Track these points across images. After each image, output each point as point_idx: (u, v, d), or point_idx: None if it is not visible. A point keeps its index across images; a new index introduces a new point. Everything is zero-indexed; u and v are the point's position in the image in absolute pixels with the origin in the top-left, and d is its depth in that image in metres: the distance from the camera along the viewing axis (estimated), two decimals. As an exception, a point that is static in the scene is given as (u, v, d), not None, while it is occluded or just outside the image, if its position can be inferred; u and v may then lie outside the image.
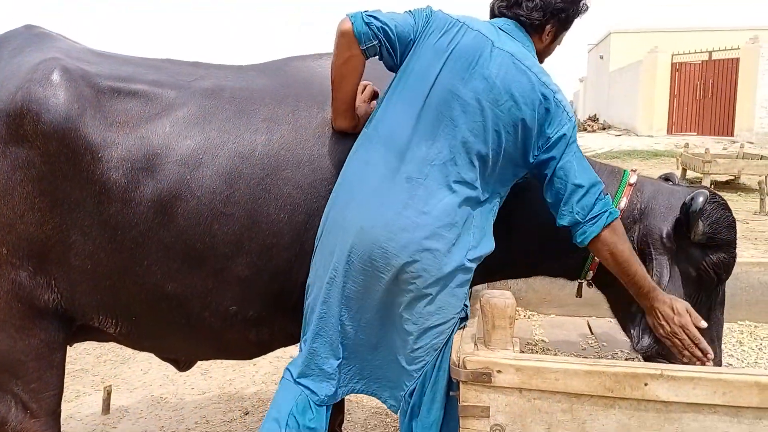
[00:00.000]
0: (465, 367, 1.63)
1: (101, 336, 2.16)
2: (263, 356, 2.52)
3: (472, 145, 1.85)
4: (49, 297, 1.93)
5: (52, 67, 1.87)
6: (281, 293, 2.05)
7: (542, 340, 2.66)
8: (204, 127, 1.97)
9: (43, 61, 1.89)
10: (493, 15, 2.08)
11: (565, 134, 1.88)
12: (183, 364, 2.48)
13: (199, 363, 3.59)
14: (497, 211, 1.99)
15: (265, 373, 3.94)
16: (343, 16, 1.92)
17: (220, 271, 1.97)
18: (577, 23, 2.12)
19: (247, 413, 3.44)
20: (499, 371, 1.61)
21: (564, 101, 1.91)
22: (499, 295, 1.70)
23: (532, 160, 1.90)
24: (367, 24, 1.87)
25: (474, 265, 1.91)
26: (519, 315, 3.01)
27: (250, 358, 2.45)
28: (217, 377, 3.88)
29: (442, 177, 1.85)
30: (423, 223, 1.81)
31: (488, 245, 1.94)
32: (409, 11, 2.00)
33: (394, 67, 2.00)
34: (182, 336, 2.12)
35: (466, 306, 1.93)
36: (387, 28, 1.90)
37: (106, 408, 3.45)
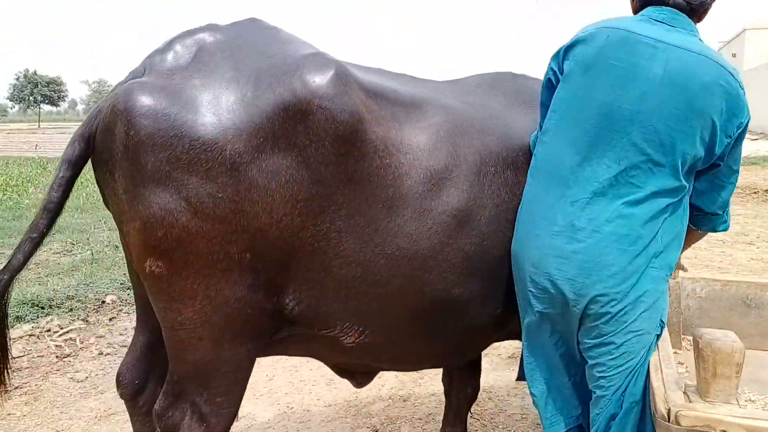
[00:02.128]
0: (678, 423, 1.35)
1: (295, 348, 2.04)
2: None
3: (645, 151, 1.73)
4: (281, 304, 1.77)
5: (329, 64, 1.70)
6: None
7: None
8: (483, 139, 1.99)
9: (314, 55, 1.73)
10: (641, 5, 1.88)
11: (745, 121, 1.77)
12: (361, 379, 2.34)
13: (324, 372, 3.51)
14: (687, 204, 1.89)
15: (391, 387, 3.76)
16: None
17: (497, 274, 2.01)
18: (708, 19, 1.93)
19: (376, 431, 3.27)
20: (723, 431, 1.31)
21: (742, 82, 1.78)
22: (722, 337, 1.40)
23: (719, 151, 1.77)
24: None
25: (666, 273, 1.82)
26: (691, 345, 2.64)
27: (466, 360, 2.52)
28: (343, 389, 3.73)
29: (614, 191, 1.76)
30: (594, 243, 1.75)
31: (677, 246, 1.85)
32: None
33: None
34: (429, 342, 2.06)
35: (662, 322, 1.83)
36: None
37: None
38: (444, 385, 2.80)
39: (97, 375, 3.90)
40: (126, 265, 2.05)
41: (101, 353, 4.21)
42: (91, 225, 8.32)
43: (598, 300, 1.74)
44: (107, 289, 5.33)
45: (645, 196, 1.74)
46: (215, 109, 1.58)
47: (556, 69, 1.93)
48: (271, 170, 1.60)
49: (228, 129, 1.57)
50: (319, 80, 1.64)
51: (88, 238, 7.44)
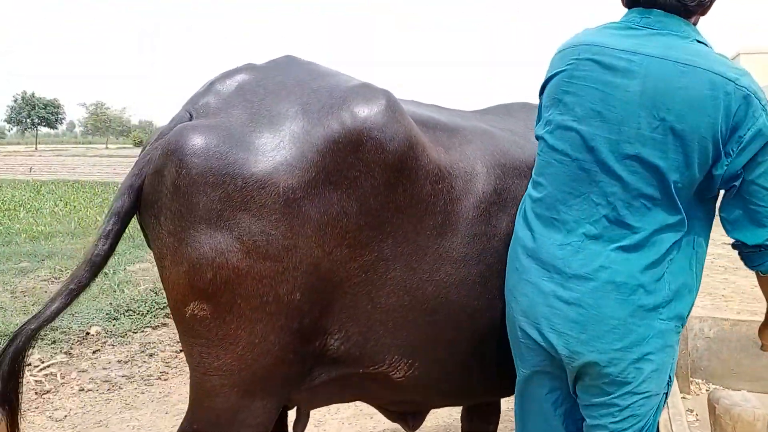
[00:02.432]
0: (696, 498, 1.19)
1: (339, 392, 1.91)
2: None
3: (634, 186, 1.53)
4: (325, 345, 1.69)
5: (377, 93, 1.66)
6: None
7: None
8: (526, 161, 1.95)
9: (362, 86, 1.69)
10: (629, 4, 1.64)
11: (761, 130, 1.46)
12: (413, 421, 2.20)
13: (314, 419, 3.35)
14: (702, 239, 1.63)
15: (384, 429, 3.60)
16: None
17: None
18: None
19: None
20: None
21: (752, 85, 1.48)
22: (741, 401, 1.26)
23: (720, 172, 1.51)
24: None
25: (677, 324, 1.61)
26: (700, 389, 2.49)
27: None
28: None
29: (607, 234, 1.56)
30: (589, 292, 1.56)
31: (689, 292, 1.61)
32: None
33: None
34: (479, 373, 1.98)
35: (670, 378, 1.63)
36: None
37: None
38: (463, 424, 2.69)
39: (76, 413, 3.73)
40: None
41: (82, 389, 4.04)
42: (81, 251, 8.16)
43: (596, 360, 1.55)
44: (92, 319, 5.16)
45: (643, 238, 1.53)
46: (266, 146, 1.56)
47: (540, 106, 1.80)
48: (323, 204, 1.57)
49: (281, 165, 1.54)
50: (368, 110, 1.61)
51: (77, 265, 7.27)
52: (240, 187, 1.51)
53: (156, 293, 5.79)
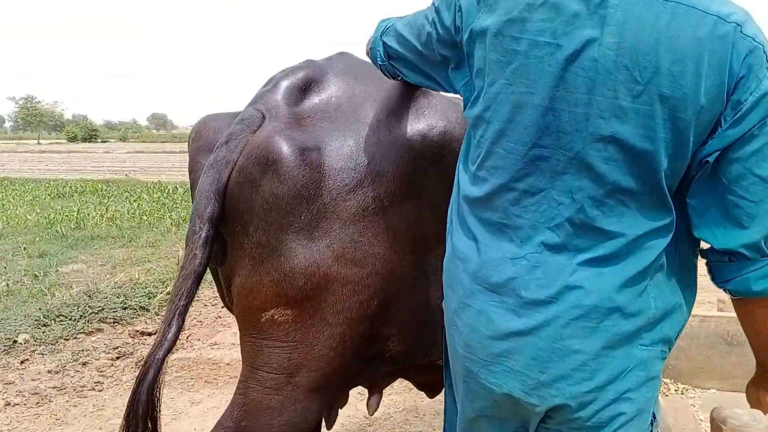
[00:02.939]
0: None
1: (385, 383, 2.02)
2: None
3: (609, 177, 1.14)
4: (384, 348, 1.72)
5: (453, 105, 1.72)
6: None
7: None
8: None
9: (438, 97, 1.73)
10: None
11: (766, 95, 1.09)
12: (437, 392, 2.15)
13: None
14: (694, 238, 1.26)
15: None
16: None
17: None
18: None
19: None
20: None
21: (759, 34, 1.11)
22: (752, 423, 1.13)
23: (707, 149, 1.13)
24: None
25: (662, 350, 1.24)
26: (668, 389, 2.40)
27: None
28: None
29: (573, 242, 1.19)
30: (551, 320, 1.19)
31: (680, 307, 1.25)
32: None
33: None
34: None
35: (655, 417, 1.30)
36: None
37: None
38: None
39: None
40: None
41: (8, 404, 3.70)
42: (9, 252, 7.68)
43: (564, 406, 1.22)
44: (20, 326, 4.79)
45: (621, 247, 1.17)
46: (357, 155, 1.58)
47: (453, 43, 1.35)
48: (403, 212, 1.61)
49: (372, 175, 1.58)
50: (447, 123, 1.66)
51: (5, 267, 6.83)
52: (335, 197, 1.55)
53: (90, 296, 5.44)
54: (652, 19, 1.08)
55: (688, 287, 1.28)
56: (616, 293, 1.17)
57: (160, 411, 1.62)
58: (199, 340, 4.70)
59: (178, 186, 15.86)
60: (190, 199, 2.03)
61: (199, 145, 1.76)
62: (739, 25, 1.08)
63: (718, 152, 1.13)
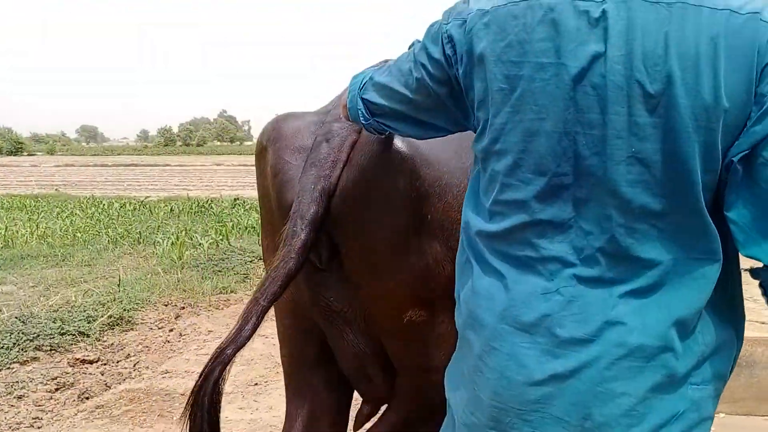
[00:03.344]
0: None
1: None
2: None
3: (636, 200, 1.05)
4: None
5: None
6: None
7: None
8: None
9: None
10: None
11: None
12: None
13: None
14: (737, 261, 1.15)
15: None
16: None
17: None
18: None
19: None
20: None
21: None
22: None
23: (737, 150, 1.02)
24: None
25: (716, 387, 1.13)
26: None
27: None
28: None
29: (610, 274, 1.08)
30: (591, 361, 1.08)
31: (731, 341, 1.14)
32: None
33: None
34: None
35: None
36: None
37: None
38: None
39: None
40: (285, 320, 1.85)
41: (-69, 447, 3.31)
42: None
43: None
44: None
45: (662, 275, 1.06)
46: (462, 153, 1.53)
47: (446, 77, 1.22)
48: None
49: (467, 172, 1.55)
50: None
51: None
52: (455, 194, 1.52)
53: (23, 321, 4.98)
54: (657, 25, 1.00)
55: (738, 316, 1.17)
56: (662, 329, 1.06)
57: (220, 408, 1.59)
58: (147, 368, 4.35)
59: (114, 201, 15.18)
60: (258, 206, 1.89)
61: (284, 145, 1.65)
62: (756, 12, 0.99)
63: (746, 152, 1.01)
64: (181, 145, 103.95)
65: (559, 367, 1.10)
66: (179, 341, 4.88)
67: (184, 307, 5.79)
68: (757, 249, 1.06)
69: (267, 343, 4.77)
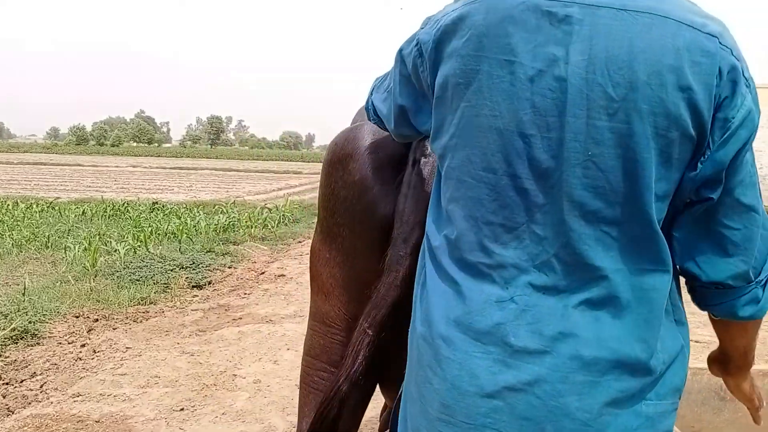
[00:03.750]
0: None
1: None
2: None
3: (591, 207, 1.04)
4: None
5: None
6: None
7: None
8: None
9: None
10: None
11: (750, 112, 1.04)
12: None
13: None
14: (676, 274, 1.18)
15: None
16: None
17: None
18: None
19: None
20: None
21: (735, 47, 1.04)
22: None
23: (693, 174, 1.05)
24: None
25: (672, 402, 1.13)
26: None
27: None
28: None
29: (565, 282, 1.07)
30: (545, 374, 1.06)
31: (683, 354, 1.15)
32: None
33: None
34: None
35: None
36: None
37: None
38: None
39: None
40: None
41: None
42: None
43: None
44: None
45: (617, 286, 1.05)
46: None
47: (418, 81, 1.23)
48: None
49: None
50: None
51: None
52: None
53: None
54: (622, 32, 1.00)
55: (683, 324, 1.18)
56: (616, 342, 1.06)
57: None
58: (57, 389, 3.87)
59: (18, 201, 14.13)
60: (317, 210, 1.76)
61: (376, 158, 1.58)
62: (715, 36, 1.02)
63: (706, 184, 1.06)
64: (94, 145, 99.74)
65: (511, 379, 1.06)
66: (93, 359, 4.42)
67: (98, 320, 5.32)
68: (694, 266, 1.14)
69: (193, 361, 4.40)
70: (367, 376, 1.53)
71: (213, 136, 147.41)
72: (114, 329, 5.15)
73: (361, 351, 1.44)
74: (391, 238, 1.45)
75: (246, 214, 11.96)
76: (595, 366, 1.05)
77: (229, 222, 10.94)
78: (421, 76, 1.20)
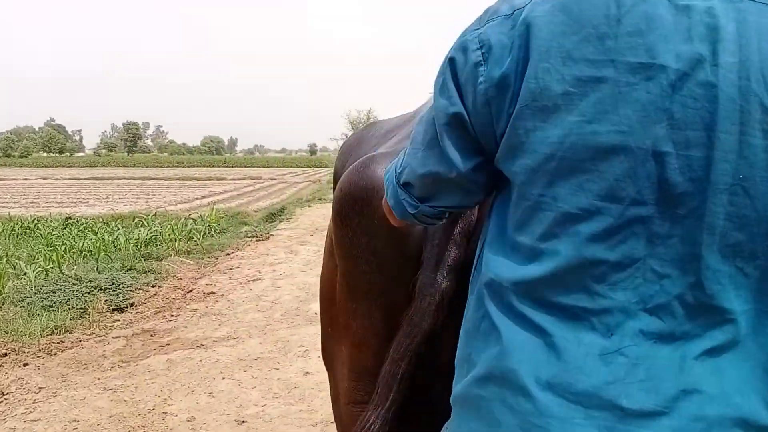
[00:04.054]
0: None
1: None
2: None
3: (732, 239, 0.88)
4: None
5: None
6: None
7: None
8: None
9: None
10: None
11: None
12: None
13: None
14: None
15: None
16: None
17: None
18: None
19: None
20: None
21: None
22: None
23: None
24: None
25: None
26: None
27: None
28: None
29: (676, 329, 0.91)
30: None
31: None
32: None
33: None
34: None
35: None
36: None
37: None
38: None
39: None
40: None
41: None
42: None
43: None
44: None
45: (740, 329, 0.89)
46: None
47: (470, 99, 0.99)
48: None
49: None
50: None
51: None
52: None
53: None
54: (759, 23, 0.85)
55: None
56: (740, 397, 0.89)
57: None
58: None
59: None
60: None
61: None
62: None
63: None
64: (1, 157, 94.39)
65: None
66: (1, 403, 3.93)
67: (6, 354, 4.80)
68: None
69: (116, 399, 3.98)
70: (400, 412, 1.40)
71: (130, 143, 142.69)
72: (25, 365, 4.65)
73: (394, 385, 1.33)
74: (420, 262, 1.33)
75: (168, 226, 11.37)
76: (719, 426, 0.90)
77: (151, 236, 10.35)
78: (483, 85, 0.97)
